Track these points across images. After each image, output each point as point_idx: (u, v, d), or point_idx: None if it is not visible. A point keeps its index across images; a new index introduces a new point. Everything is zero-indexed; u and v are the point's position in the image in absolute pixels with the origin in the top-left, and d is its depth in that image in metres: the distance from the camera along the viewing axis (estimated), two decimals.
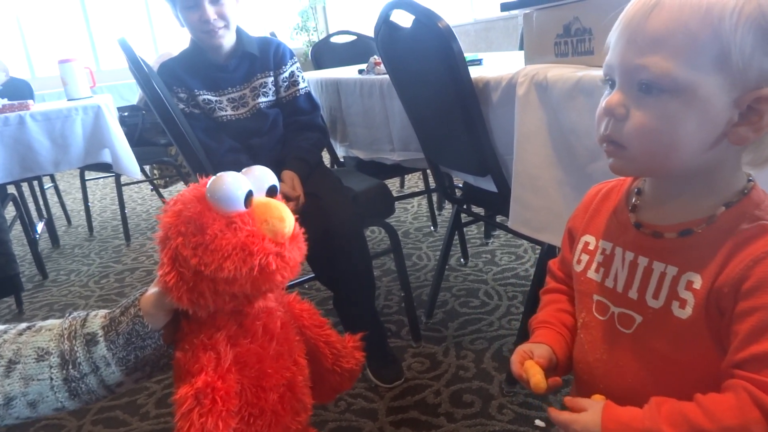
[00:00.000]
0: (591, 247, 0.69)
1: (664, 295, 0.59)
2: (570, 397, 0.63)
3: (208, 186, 0.71)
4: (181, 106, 1.64)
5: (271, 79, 1.70)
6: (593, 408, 0.59)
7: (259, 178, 0.75)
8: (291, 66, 1.72)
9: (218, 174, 0.71)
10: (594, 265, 0.68)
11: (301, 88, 1.74)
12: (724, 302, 0.54)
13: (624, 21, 0.56)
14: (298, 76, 1.74)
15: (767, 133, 0.55)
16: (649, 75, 0.53)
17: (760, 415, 0.50)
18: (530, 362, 0.67)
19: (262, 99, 1.69)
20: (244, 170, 0.75)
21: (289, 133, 1.72)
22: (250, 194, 0.72)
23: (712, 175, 0.58)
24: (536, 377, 0.65)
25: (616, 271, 0.65)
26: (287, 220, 0.72)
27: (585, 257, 0.70)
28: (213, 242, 0.68)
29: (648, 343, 0.61)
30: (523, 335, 1.48)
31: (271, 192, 0.76)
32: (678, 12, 0.52)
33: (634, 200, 0.66)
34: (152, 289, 0.77)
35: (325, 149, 2.06)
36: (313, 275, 1.64)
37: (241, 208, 0.70)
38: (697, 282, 0.56)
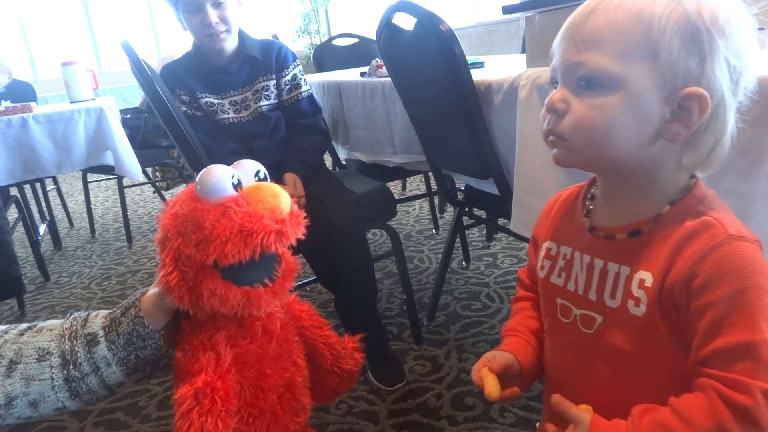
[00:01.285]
0: (553, 253, 0.71)
1: (620, 294, 0.61)
2: (558, 398, 0.65)
3: (197, 181, 0.71)
4: (184, 108, 1.64)
5: (273, 82, 1.70)
6: (580, 427, 0.61)
7: (247, 168, 0.75)
8: (293, 69, 1.73)
9: (205, 168, 0.72)
10: (556, 270, 0.70)
11: (304, 91, 1.74)
12: (677, 299, 0.56)
13: (565, 27, 0.61)
14: (301, 79, 1.74)
15: (702, 133, 0.58)
16: (587, 70, 0.57)
17: (730, 413, 0.52)
18: (485, 371, 0.70)
19: (264, 102, 1.69)
20: (233, 164, 0.75)
21: (291, 136, 1.72)
22: (239, 183, 0.72)
23: (653, 174, 0.61)
24: (489, 386, 0.68)
25: (576, 275, 0.67)
26: (281, 195, 0.72)
27: (547, 263, 0.72)
28: (212, 233, 0.68)
29: (610, 341, 0.63)
30: None
31: (261, 181, 0.76)
32: (613, 15, 0.56)
33: (588, 205, 0.69)
34: (153, 290, 0.77)
35: (327, 152, 2.07)
36: (314, 277, 1.64)
37: (232, 192, 0.71)
38: (648, 280, 0.59)
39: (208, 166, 0.72)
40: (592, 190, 0.70)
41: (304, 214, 0.77)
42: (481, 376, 0.69)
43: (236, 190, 0.71)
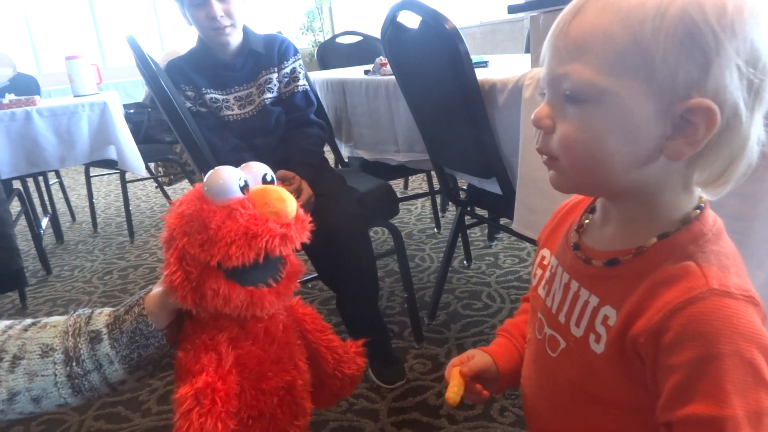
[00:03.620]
0: (545, 262, 0.67)
1: (584, 324, 0.56)
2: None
3: (204, 181, 0.72)
4: (188, 104, 1.64)
5: (275, 75, 1.70)
6: None
7: (255, 170, 0.75)
8: (293, 62, 1.73)
9: (213, 169, 0.72)
10: (543, 282, 0.66)
11: (300, 85, 1.73)
12: (643, 351, 0.50)
13: (552, 28, 0.52)
14: (300, 73, 1.74)
15: (711, 150, 0.49)
16: (571, 84, 0.50)
17: None
18: (455, 371, 0.67)
19: (267, 95, 1.69)
20: (241, 166, 0.76)
21: (288, 132, 1.72)
22: (246, 184, 0.72)
23: (652, 197, 0.53)
24: (450, 391, 0.66)
25: (555, 291, 0.62)
26: (288, 200, 0.72)
27: (539, 271, 0.68)
28: (217, 233, 0.68)
29: (567, 372, 0.59)
30: None
31: (268, 183, 0.76)
32: (598, 17, 0.48)
33: (584, 219, 0.63)
34: (157, 289, 0.77)
35: (329, 150, 2.05)
36: (315, 275, 1.64)
37: (239, 194, 0.71)
38: (612, 318, 0.53)
39: (216, 168, 0.72)
40: (597, 203, 0.64)
41: (309, 218, 0.77)
42: (449, 377, 0.68)
43: (243, 193, 0.71)
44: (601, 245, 0.58)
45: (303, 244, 0.75)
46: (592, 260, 0.57)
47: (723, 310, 0.46)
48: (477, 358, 0.70)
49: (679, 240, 0.51)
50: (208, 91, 1.65)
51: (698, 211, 0.53)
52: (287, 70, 1.72)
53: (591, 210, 0.63)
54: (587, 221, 0.62)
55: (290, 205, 0.72)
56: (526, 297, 0.80)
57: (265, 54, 1.69)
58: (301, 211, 0.75)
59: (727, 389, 0.45)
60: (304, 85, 1.75)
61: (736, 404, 0.45)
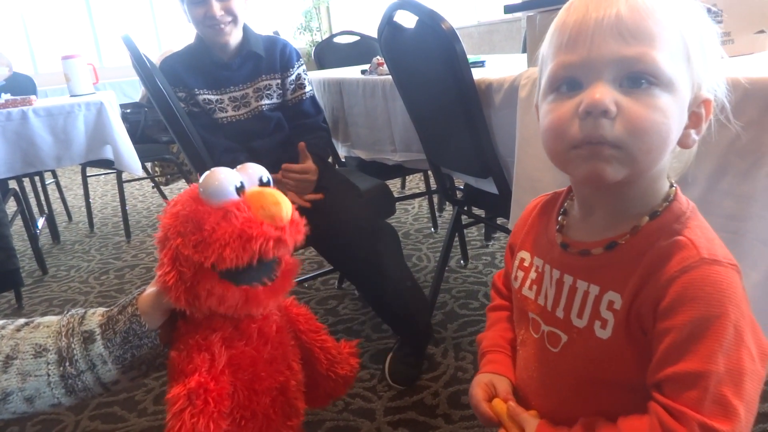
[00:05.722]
0: (526, 264, 0.69)
1: (587, 314, 0.59)
2: (513, 405, 0.65)
3: (200, 182, 0.72)
4: (182, 104, 1.63)
5: (278, 81, 1.68)
6: (527, 429, 0.61)
7: (251, 172, 0.75)
8: (298, 68, 1.71)
9: (209, 170, 0.72)
10: (528, 282, 0.68)
11: (307, 92, 1.73)
12: (645, 322, 0.54)
13: (593, 17, 0.51)
14: (305, 79, 1.73)
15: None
16: (645, 66, 0.50)
17: None
18: (501, 404, 0.66)
19: (266, 101, 1.68)
20: (237, 168, 0.76)
21: (294, 137, 1.71)
22: (242, 186, 0.72)
23: (652, 181, 0.57)
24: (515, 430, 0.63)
25: (546, 289, 0.64)
26: (283, 203, 0.72)
27: (521, 273, 0.69)
28: (211, 235, 0.68)
29: (571, 363, 0.61)
30: None
31: (264, 185, 0.76)
32: (651, 6, 0.51)
33: (561, 221, 0.65)
34: (150, 289, 0.77)
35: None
36: (312, 274, 1.63)
37: (234, 196, 0.71)
38: (617, 302, 0.56)
39: (212, 169, 0.72)
40: (566, 204, 0.67)
41: (305, 222, 0.77)
42: (498, 413, 0.66)
43: (238, 195, 0.71)
44: (590, 236, 0.61)
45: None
46: (591, 250, 0.59)
47: (713, 276, 0.51)
48: (502, 384, 0.70)
49: (666, 219, 0.56)
50: (202, 91, 1.64)
51: (674, 188, 0.58)
52: (293, 77, 1.70)
53: (563, 212, 0.66)
54: (564, 222, 0.65)
55: (285, 208, 0.72)
56: (492, 307, 0.81)
57: (266, 58, 1.67)
58: (296, 214, 0.75)
59: (714, 348, 0.49)
60: (311, 90, 1.75)
61: (720, 362, 0.49)
